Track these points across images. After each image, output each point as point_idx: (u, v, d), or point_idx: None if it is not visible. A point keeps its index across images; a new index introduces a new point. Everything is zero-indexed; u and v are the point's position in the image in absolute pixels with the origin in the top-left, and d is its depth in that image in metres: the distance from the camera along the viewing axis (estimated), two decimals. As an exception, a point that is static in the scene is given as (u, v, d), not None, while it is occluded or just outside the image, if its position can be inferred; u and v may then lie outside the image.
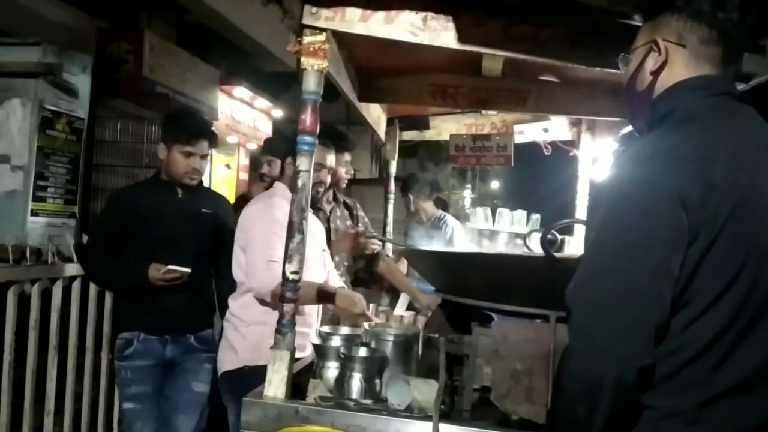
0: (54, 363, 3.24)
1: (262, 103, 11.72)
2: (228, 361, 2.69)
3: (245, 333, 2.66)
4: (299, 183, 2.08)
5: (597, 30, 1.98)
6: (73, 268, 3.15)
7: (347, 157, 3.41)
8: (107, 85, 6.92)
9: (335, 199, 3.51)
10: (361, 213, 3.67)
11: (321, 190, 2.83)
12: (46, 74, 3.20)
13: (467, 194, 22.90)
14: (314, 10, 2.02)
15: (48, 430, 3.15)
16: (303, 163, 2.08)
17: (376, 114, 3.55)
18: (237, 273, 2.71)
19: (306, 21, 2.02)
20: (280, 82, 12.66)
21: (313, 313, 2.83)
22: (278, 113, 12.33)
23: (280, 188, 2.79)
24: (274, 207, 2.65)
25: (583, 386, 1.19)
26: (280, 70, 12.07)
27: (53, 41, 4.25)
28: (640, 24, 1.47)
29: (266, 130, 12.35)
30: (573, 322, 1.23)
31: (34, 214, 3.12)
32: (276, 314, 2.51)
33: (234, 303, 2.73)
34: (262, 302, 2.61)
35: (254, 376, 2.50)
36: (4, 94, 3.19)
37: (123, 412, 2.91)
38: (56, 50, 3.37)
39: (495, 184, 19.43)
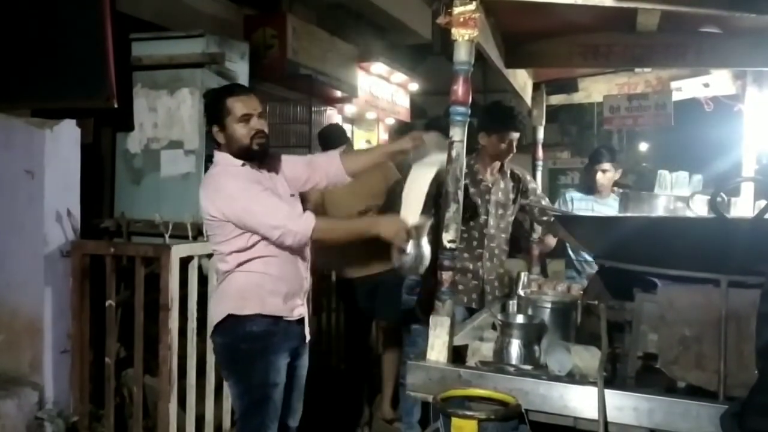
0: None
1: (399, 77, 11.80)
2: None
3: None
4: (453, 153, 2.12)
5: (770, -28, 1.84)
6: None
7: (513, 135, 3.29)
8: (255, 70, 7.28)
9: (501, 170, 3.40)
10: (532, 185, 3.50)
11: (263, 141, 2.41)
12: (211, 63, 3.46)
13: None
14: (464, -20, 2.03)
15: (227, 395, 3.39)
16: (456, 133, 2.12)
17: (522, 80, 3.48)
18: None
19: (456, -8, 2.04)
20: (415, 55, 12.68)
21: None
22: (414, 86, 12.38)
23: (222, 158, 2.45)
24: (232, 175, 2.38)
25: None
26: (415, 43, 12.08)
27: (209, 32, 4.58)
28: None
29: (404, 104, 12.46)
30: None
31: (205, 193, 3.40)
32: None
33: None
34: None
35: None
36: (174, 84, 3.48)
37: None
38: (218, 40, 3.62)
39: (644, 146, 18.30)
